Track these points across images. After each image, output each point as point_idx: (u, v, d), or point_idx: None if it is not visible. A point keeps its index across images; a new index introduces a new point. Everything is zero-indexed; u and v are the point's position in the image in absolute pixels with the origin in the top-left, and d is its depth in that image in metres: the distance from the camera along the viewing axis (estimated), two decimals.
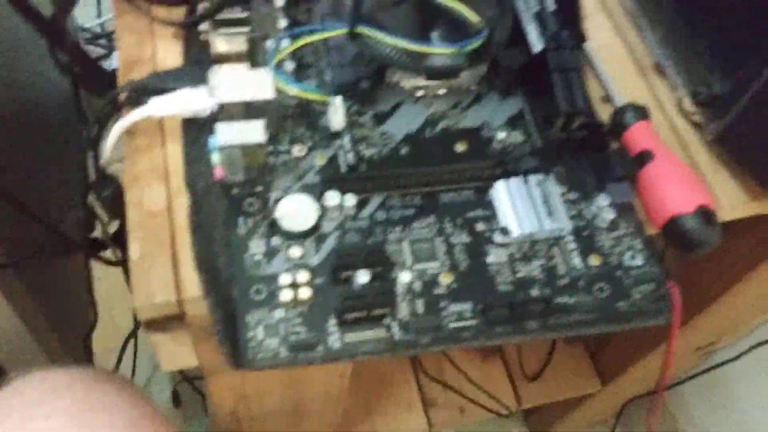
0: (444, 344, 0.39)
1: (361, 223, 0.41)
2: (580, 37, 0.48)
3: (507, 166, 0.43)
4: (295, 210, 0.40)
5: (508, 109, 0.47)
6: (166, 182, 0.42)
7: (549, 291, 0.40)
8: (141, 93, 0.43)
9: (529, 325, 0.39)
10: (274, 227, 0.40)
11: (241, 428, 0.62)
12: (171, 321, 0.41)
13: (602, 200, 0.43)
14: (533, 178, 0.43)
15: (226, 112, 0.40)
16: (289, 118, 0.44)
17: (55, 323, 0.70)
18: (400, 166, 0.43)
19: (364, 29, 0.42)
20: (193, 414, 1.10)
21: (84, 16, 1.09)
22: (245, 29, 0.43)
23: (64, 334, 0.73)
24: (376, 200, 0.42)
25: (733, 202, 0.46)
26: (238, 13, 0.44)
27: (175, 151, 0.43)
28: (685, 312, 0.76)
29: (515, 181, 0.43)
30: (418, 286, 0.40)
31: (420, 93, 0.46)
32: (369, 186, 0.42)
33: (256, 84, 0.40)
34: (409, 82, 0.46)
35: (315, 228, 0.40)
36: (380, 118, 0.45)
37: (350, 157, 0.43)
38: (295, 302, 0.38)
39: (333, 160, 0.43)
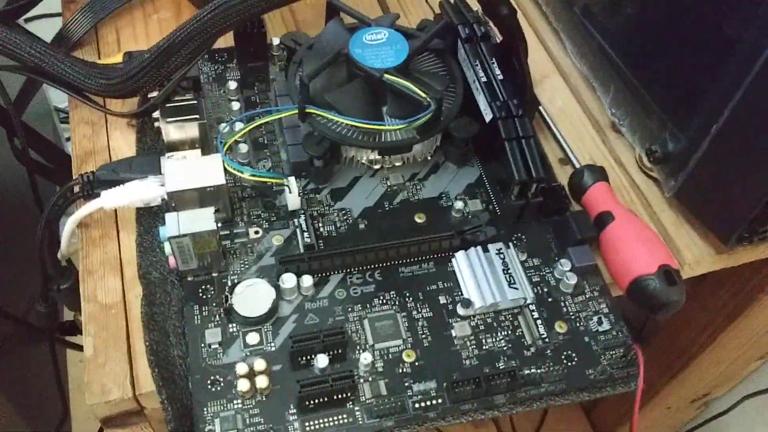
0: (410, 426, 0.37)
1: (319, 303, 0.40)
2: (532, 103, 0.48)
3: (466, 236, 0.42)
4: (252, 295, 0.39)
5: (466, 178, 0.47)
6: (120, 274, 0.42)
7: (516, 363, 0.39)
8: (94, 185, 0.43)
9: (496, 399, 0.38)
10: (230, 314, 0.39)
11: None
12: (130, 416, 0.40)
13: (564, 265, 0.42)
14: (493, 247, 0.42)
15: (178, 199, 0.40)
16: (246, 200, 0.44)
17: (26, 416, 0.68)
18: (359, 241, 0.43)
19: (313, 109, 0.42)
20: None
21: (58, 97, 1.10)
22: (197, 115, 0.43)
23: (36, 427, 0.71)
24: (334, 279, 0.41)
25: (697, 257, 0.45)
26: (189, 100, 0.44)
27: (129, 241, 0.42)
28: (673, 366, 0.75)
29: (475, 252, 0.42)
30: (380, 366, 0.39)
31: (377, 166, 0.46)
32: (327, 265, 0.41)
33: (208, 170, 0.40)
34: (365, 156, 0.46)
35: (272, 312, 0.39)
36: (338, 194, 0.45)
37: (307, 237, 0.43)
38: (253, 391, 0.37)
39: (290, 240, 0.43)
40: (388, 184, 0.46)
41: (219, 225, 0.39)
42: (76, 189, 0.43)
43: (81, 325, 0.52)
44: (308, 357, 0.38)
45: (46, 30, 0.54)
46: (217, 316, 0.39)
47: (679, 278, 0.40)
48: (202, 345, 0.38)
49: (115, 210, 0.44)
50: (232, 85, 0.49)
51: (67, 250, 0.46)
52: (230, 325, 0.39)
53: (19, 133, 0.51)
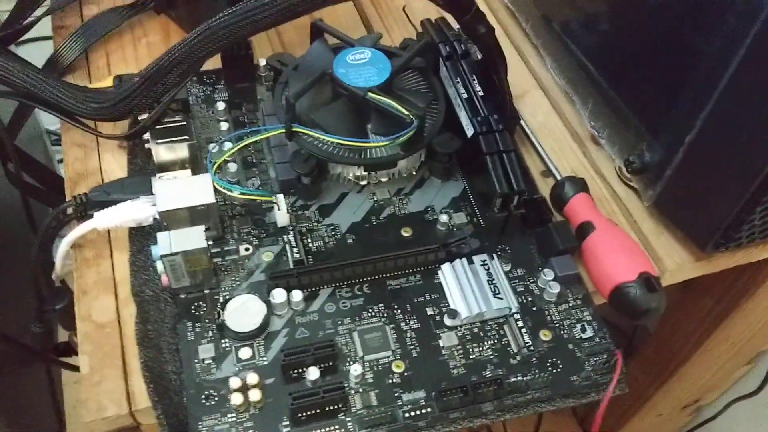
0: None
1: (310, 317, 0.41)
2: (513, 118, 0.49)
3: (451, 248, 0.43)
4: (243, 310, 0.40)
5: (450, 192, 0.48)
6: (114, 293, 0.42)
7: (502, 371, 0.40)
8: (87, 206, 0.44)
9: (484, 407, 0.39)
10: (222, 330, 0.40)
11: None
12: None
13: (547, 274, 0.43)
14: (478, 259, 0.44)
15: (169, 219, 0.41)
16: (236, 218, 0.45)
17: None
18: (348, 256, 0.44)
19: (299, 128, 0.43)
20: None
21: (49, 119, 1.11)
22: (186, 136, 0.44)
23: None
24: (324, 293, 0.42)
25: (678, 264, 0.46)
26: (179, 121, 0.45)
27: (122, 260, 0.43)
28: (662, 373, 0.76)
29: (460, 264, 0.43)
30: (370, 377, 0.39)
31: (363, 182, 0.47)
32: (316, 279, 0.42)
33: (198, 190, 0.41)
34: (351, 173, 0.47)
35: (263, 327, 0.40)
36: (326, 211, 0.46)
37: (296, 252, 0.44)
38: (247, 405, 0.38)
39: (280, 256, 0.44)
40: (375, 199, 0.47)
41: (210, 243, 0.40)
42: (70, 210, 0.44)
43: (76, 345, 0.53)
44: (300, 370, 0.39)
45: (37, 53, 0.55)
46: (210, 332, 0.40)
47: (659, 285, 0.41)
48: (196, 360, 0.39)
49: (108, 230, 0.44)
50: (221, 105, 0.50)
51: (61, 271, 0.46)
52: (223, 341, 0.40)
53: (12, 158, 0.52)
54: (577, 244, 0.44)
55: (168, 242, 0.39)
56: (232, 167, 0.47)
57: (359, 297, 0.43)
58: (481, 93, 0.46)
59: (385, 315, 0.42)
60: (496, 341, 0.41)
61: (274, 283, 0.41)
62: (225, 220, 0.45)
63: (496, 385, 0.39)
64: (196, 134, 0.46)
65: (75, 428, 0.84)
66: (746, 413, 0.76)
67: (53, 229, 0.44)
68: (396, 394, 0.39)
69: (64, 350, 0.72)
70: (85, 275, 0.43)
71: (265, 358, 0.40)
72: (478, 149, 0.44)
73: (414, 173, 0.48)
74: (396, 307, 0.42)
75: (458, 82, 0.47)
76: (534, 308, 0.43)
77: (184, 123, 0.45)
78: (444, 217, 0.46)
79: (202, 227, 0.40)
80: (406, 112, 0.43)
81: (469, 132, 0.45)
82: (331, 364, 0.39)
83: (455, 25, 0.50)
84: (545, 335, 0.42)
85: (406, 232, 0.46)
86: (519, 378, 0.40)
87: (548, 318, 0.42)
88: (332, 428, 0.38)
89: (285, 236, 0.45)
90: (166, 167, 0.45)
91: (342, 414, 0.38)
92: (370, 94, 0.44)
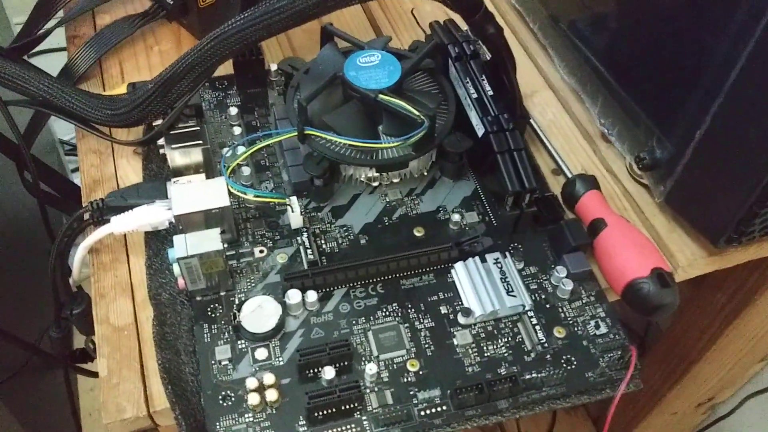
0: None
1: (324, 317, 0.42)
2: (523, 117, 0.50)
3: (464, 247, 0.44)
4: (259, 312, 0.41)
5: (462, 191, 0.48)
6: (131, 296, 0.43)
7: (517, 368, 0.40)
8: (103, 211, 0.44)
9: (499, 404, 0.39)
10: (238, 331, 0.41)
11: None
12: None
13: (560, 272, 0.43)
14: (490, 257, 0.44)
15: (185, 222, 0.41)
16: (250, 221, 0.46)
17: None
18: (361, 256, 0.44)
19: (311, 131, 0.44)
20: None
21: (62, 130, 1.13)
22: (200, 141, 0.45)
23: None
24: (338, 293, 0.43)
25: (690, 260, 0.47)
26: (192, 126, 0.46)
27: (139, 264, 0.44)
28: (676, 372, 0.76)
29: (473, 262, 0.44)
30: (385, 376, 0.40)
31: (375, 183, 0.48)
32: (330, 280, 0.43)
33: (212, 193, 0.42)
34: (363, 174, 0.47)
35: (279, 328, 0.41)
36: (339, 212, 0.47)
37: (310, 254, 0.44)
38: (264, 405, 0.38)
39: (295, 258, 0.44)
40: (387, 200, 0.48)
41: (225, 245, 0.41)
42: (86, 216, 0.45)
43: (92, 351, 0.53)
44: (315, 370, 0.39)
45: (51, 64, 0.56)
46: (226, 334, 0.41)
47: (672, 280, 0.42)
48: (213, 362, 0.40)
49: (125, 235, 0.45)
50: (233, 110, 0.51)
51: (78, 277, 0.47)
52: (239, 342, 0.40)
53: (29, 166, 0.53)
54: (590, 241, 0.44)
55: (184, 245, 0.39)
56: (246, 171, 0.48)
57: (373, 297, 0.43)
58: (490, 93, 0.46)
59: (399, 314, 0.42)
60: (510, 339, 0.42)
61: (289, 284, 0.42)
62: (239, 223, 0.45)
63: (511, 383, 0.39)
64: (209, 139, 0.47)
65: None
66: (760, 410, 0.76)
67: (71, 234, 0.44)
68: (411, 393, 0.39)
69: (80, 357, 0.73)
70: (102, 279, 0.44)
71: (281, 359, 0.40)
72: (488, 148, 0.45)
73: (425, 174, 0.49)
74: (410, 306, 0.43)
75: (468, 83, 0.47)
76: (548, 305, 0.43)
77: (198, 128, 0.45)
78: (456, 217, 0.46)
79: (218, 230, 0.40)
80: (417, 113, 0.43)
81: (480, 131, 0.46)
82: (346, 363, 0.40)
83: (464, 27, 0.50)
84: (559, 332, 0.42)
85: (418, 232, 0.46)
86: (534, 375, 0.40)
87: (562, 315, 0.43)
88: (348, 427, 0.38)
89: (299, 238, 0.45)
90: (180, 172, 0.45)
91: (358, 413, 0.38)
92: (380, 95, 0.44)
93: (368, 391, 0.39)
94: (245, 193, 0.44)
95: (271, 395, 0.38)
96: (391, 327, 0.42)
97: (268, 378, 0.39)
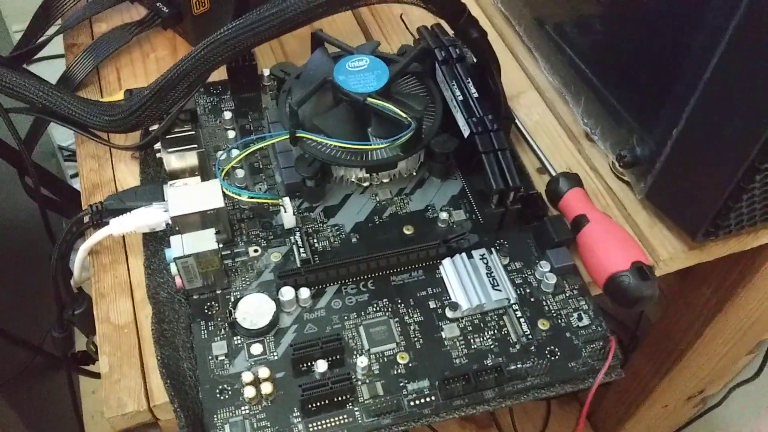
0: (406, 422, 0.40)
1: (317, 313, 0.43)
2: (508, 118, 0.51)
3: (451, 244, 0.45)
4: (254, 308, 0.42)
5: (450, 191, 0.50)
6: (131, 296, 0.44)
7: (502, 359, 0.42)
8: (102, 214, 0.46)
9: (486, 394, 0.41)
10: (234, 327, 0.42)
11: None
12: (146, 428, 0.42)
13: (544, 266, 0.45)
14: (477, 253, 0.45)
15: (181, 223, 0.43)
16: (244, 221, 0.47)
17: None
18: (352, 254, 0.46)
19: (302, 133, 0.45)
20: None
21: (61, 136, 1.14)
22: (195, 145, 0.46)
23: None
24: (330, 290, 0.44)
25: (671, 254, 0.48)
26: (188, 131, 0.47)
27: (137, 265, 0.45)
28: (665, 365, 0.78)
29: (460, 258, 0.45)
30: (376, 368, 0.41)
31: (365, 184, 0.49)
32: (323, 277, 0.44)
33: (207, 195, 0.43)
34: (354, 175, 0.49)
35: (273, 324, 0.42)
36: (330, 212, 0.48)
37: (303, 252, 0.46)
38: (259, 398, 0.40)
39: (288, 257, 0.46)
40: (377, 199, 0.49)
41: (220, 245, 0.42)
42: (86, 219, 0.46)
43: (93, 353, 0.55)
44: (309, 363, 0.41)
45: (49, 72, 0.57)
46: (223, 330, 0.42)
47: (652, 273, 0.43)
48: (210, 357, 0.41)
49: (123, 236, 0.47)
50: (227, 115, 0.52)
51: (79, 278, 0.49)
52: (235, 338, 0.42)
53: (30, 171, 0.55)
54: (573, 237, 0.46)
55: (180, 245, 0.41)
56: (240, 173, 0.49)
57: (364, 293, 0.44)
58: (476, 95, 0.48)
59: (390, 309, 0.44)
60: (496, 331, 0.43)
61: (283, 281, 0.43)
62: (234, 224, 0.47)
63: (497, 373, 0.40)
64: (204, 143, 0.48)
65: None
66: (747, 398, 0.77)
67: (71, 237, 0.46)
68: (401, 384, 0.41)
69: (81, 359, 0.75)
70: (102, 280, 0.45)
71: (275, 353, 0.41)
72: (474, 149, 0.46)
73: (414, 174, 0.50)
74: (399, 301, 0.44)
75: (454, 85, 0.49)
76: (532, 299, 0.45)
77: (193, 132, 0.47)
78: (444, 215, 0.48)
79: (213, 230, 0.42)
80: (404, 115, 0.45)
81: (466, 132, 0.47)
82: (338, 357, 0.41)
83: (451, 32, 0.52)
84: (543, 324, 0.43)
85: (407, 230, 0.48)
86: (519, 366, 0.42)
87: (546, 308, 0.44)
88: (341, 418, 0.39)
89: (292, 237, 0.47)
90: (176, 175, 0.47)
91: (350, 404, 0.40)
92: (369, 99, 0.46)
93: (360, 383, 0.41)
94: (239, 195, 0.45)
95: (266, 388, 0.40)
96: (381, 322, 0.43)
97: (263, 372, 0.40)
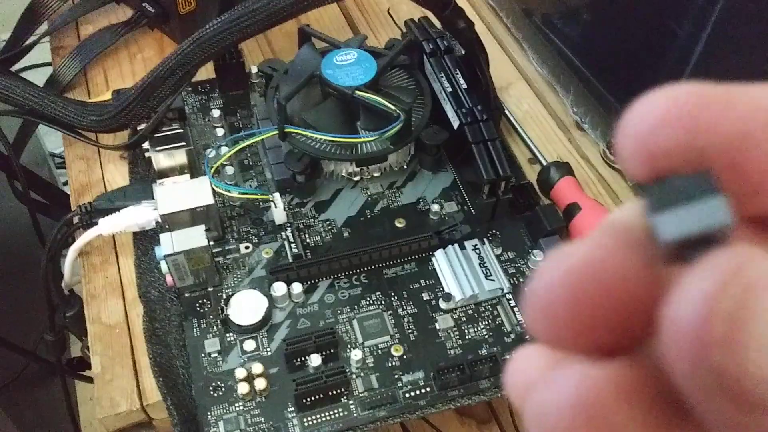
0: (402, 414, 0.40)
1: (310, 308, 0.43)
2: (497, 108, 0.51)
3: (443, 235, 0.45)
4: (246, 305, 0.42)
5: (441, 183, 0.50)
6: (122, 295, 0.44)
7: (497, 349, 0.42)
8: (92, 215, 0.45)
9: (481, 384, 0.41)
10: (227, 324, 0.42)
11: None
12: (140, 428, 0.42)
13: (537, 255, 0.45)
14: (469, 244, 0.45)
15: (171, 222, 0.42)
16: (235, 219, 0.47)
17: None
18: (344, 248, 0.45)
19: (291, 128, 0.45)
20: None
21: (53, 143, 1.14)
22: (184, 143, 0.46)
23: None
24: (323, 285, 0.44)
25: None
26: (176, 129, 0.47)
27: (128, 264, 0.45)
28: None
29: (453, 249, 0.45)
30: (370, 361, 0.41)
31: (356, 178, 0.49)
32: (315, 272, 0.44)
33: (197, 192, 0.43)
34: (344, 169, 0.49)
35: (266, 320, 0.42)
36: (321, 207, 0.48)
37: (295, 248, 0.45)
38: (253, 394, 0.39)
39: (279, 253, 0.45)
40: (369, 193, 0.49)
41: (211, 243, 0.42)
42: (76, 220, 0.46)
43: (89, 358, 0.54)
44: (302, 358, 0.40)
45: (36, 80, 0.57)
46: (215, 327, 0.42)
47: None
48: (203, 354, 0.41)
49: (113, 236, 0.46)
50: (216, 113, 0.52)
51: (70, 280, 0.48)
52: (228, 335, 0.42)
53: (19, 175, 0.54)
54: (565, 224, 0.45)
55: (170, 242, 0.40)
56: (230, 170, 0.49)
57: (357, 287, 0.44)
58: (464, 86, 0.48)
59: (383, 302, 0.44)
60: (490, 321, 0.43)
61: (275, 277, 0.43)
62: (225, 221, 0.47)
63: (492, 363, 0.40)
64: (193, 141, 0.48)
65: None
66: None
67: (61, 237, 0.46)
68: (396, 376, 0.41)
69: (78, 365, 0.74)
70: (93, 280, 0.45)
71: (268, 349, 0.41)
72: (464, 139, 0.46)
73: (405, 167, 0.50)
74: (393, 294, 0.44)
75: (442, 77, 0.49)
76: (526, 288, 0.44)
77: (181, 130, 0.47)
78: (435, 207, 0.47)
79: (203, 226, 0.41)
80: (393, 107, 0.44)
81: (455, 124, 0.47)
82: (332, 351, 0.41)
83: (439, 25, 0.52)
84: None
85: (399, 223, 0.47)
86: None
87: None
88: (336, 411, 0.39)
89: (283, 233, 0.46)
90: (165, 174, 0.46)
91: (345, 398, 0.40)
92: (357, 92, 0.45)
93: (354, 376, 0.40)
94: (229, 191, 0.45)
95: (260, 384, 0.39)
96: (375, 315, 0.43)
97: (257, 368, 0.40)
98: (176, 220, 0.43)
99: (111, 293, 0.44)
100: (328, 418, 0.39)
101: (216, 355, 0.41)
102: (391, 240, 0.45)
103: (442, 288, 0.44)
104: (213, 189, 0.43)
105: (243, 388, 0.39)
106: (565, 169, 0.48)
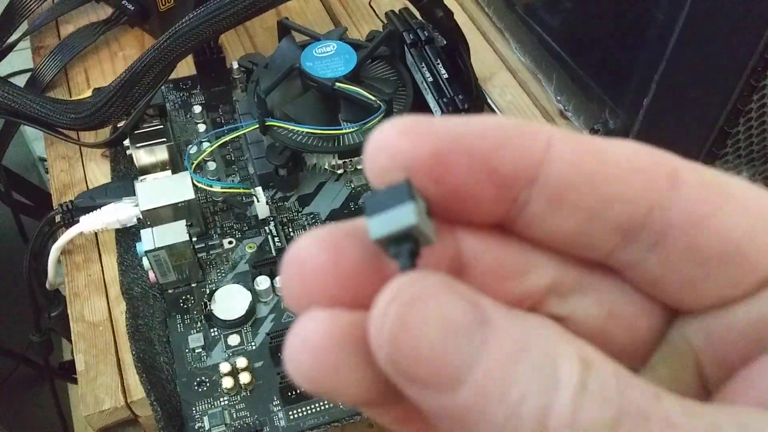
0: None
1: None
2: (479, 98, 0.51)
3: None
4: (229, 299, 0.42)
5: None
6: (105, 293, 0.44)
7: None
8: (74, 213, 0.45)
9: None
10: (210, 319, 0.42)
11: None
12: (126, 426, 0.42)
13: None
14: None
15: (152, 218, 0.42)
16: (218, 214, 0.47)
17: None
18: None
19: (271, 122, 0.45)
20: None
21: (42, 148, 1.13)
22: (164, 139, 0.46)
23: None
24: None
25: None
26: (156, 125, 0.47)
27: (111, 262, 0.45)
28: None
29: None
30: None
31: (339, 171, 0.49)
32: None
33: (177, 187, 0.43)
34: (327, 163, 0.48)
35: (250, 314, 0.42)
36: (305, 200, 0.48)
37: (278, 241, 0.45)
38: (238, 388, 0.39)
39: (263, 247, 0.45)
40: (353, 186, 0.49)
41: (194, 239, 0.42)
42: (58, 219, 0.46)
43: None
44: None
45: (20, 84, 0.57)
46: (199, 323, 0.42)
47: None
48: (187, 350, 0.41)
49: (96, 234, 0.46)
50: (197, 109, 0.52)
51: (54, 280, 0.48)
52: (211, 330, 0.41)
53: (1, 176, 0.54)
54: None
55: (151, 238, 0.40)
56: (212, 166, 0.49)
57: None
58: (446, 76, 0.48)
59: None
60: None
61: (258, 271, 0.43)
62: (208, 217, 0.46)
63: None
64: (175, 138, 0.48)
65: None
66: None
67: (43, 237, 0.45)
68: None
69: (69, 369, 0.74)
70: (76, 279, 0.45)
71: (253, 344, 0.41)
72: None
73: None
74: None
75: (423, 67, 0.49)
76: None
77: (162, 126, 0.46)
78: None
79: (184, 222, 0.41)
80: (373, 98, 0.44)
81: (437, 113, 0.47)
82: None
83: (420, 16, 0.51)
84: None
85: None
86: None
87: None
88: (321, 403, 0.39)
89: (266, 227, 0.46)
90: (147, 170, 0.46)
91: None
92: (337, 83, 0.45)
93: None
94: (211, 186, 0.45)
95: (245, 378, 0.39)
96: None
97: (241, 362, 0.40)
98: (157, 216, 0.42)
99: (94, 291, 0.44)
100: (313, 410, 0.39)
101: (200, 350, 0.41)
102: None
103: None
104: (194, 184, 0.43)
105: (227, 382, 0.39)
106: None
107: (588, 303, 0.13)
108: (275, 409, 0.39)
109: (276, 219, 0.46)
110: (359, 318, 0.12)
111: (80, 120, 0.46)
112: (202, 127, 0.51)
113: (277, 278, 0.43)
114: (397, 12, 0.53)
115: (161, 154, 0.46)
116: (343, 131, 0.45)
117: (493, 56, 0.60)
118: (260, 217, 0.46)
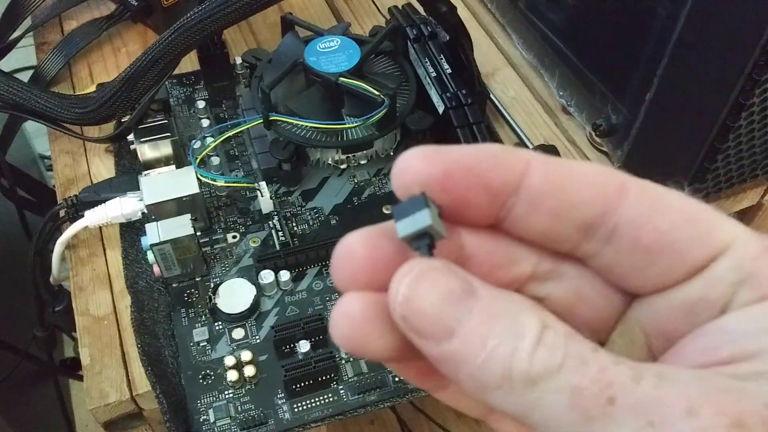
0: (392, 398, 0.40)
1: (298, 296, 0.43)
2: (483, 93, 0.51)
3: None
4: (234, 293, 0.42)
5: None
6: (109, 287, 0.44)
7: None
8: (78, 208, 0.45)
9: None
10: (215, 313, 0.42)
11: None
12: (131, 419, 0.42)
13: None
14: None
15: (157, 212, 0.42)
16: (222, 208, 0.47)
17: None
18: (332, 236, 0.45)
19: (275, 116, 0.45)
20: None
21: (42, 145, 1.13)
22: (168, 133, 0.46)
23: None
24: (311, 272, 0.44)
25: None
26: (160, 120, 0.47)
27: (115, 256, 0.45)
28: None
29: None
30: None
31: (343, 166, 0.49)
32: (302, 259, 0.44)
33: (182, 182, 0.43)
34: (330, 157, 0.48)
35: (254, 308, 0.42)
36: (308, 195, 0.48)
37: (282, 236, 0.45)
38: (242, 381, 0.39)
39: (267, 241, 0.45)
40: (356, 181, 0.49)
41: (198, 233, 0.42)
42: (62, 213, 0.46)
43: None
44: (291, 345, 0.40)
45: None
46: (203, 317, 0.42)
47: None
48: (191, 344, 0.41)
49: (100, 229, 0.46)
50: (201, 104, 0.52)
51: (58, 275, 0.48)
52: (216, 324, 0.42)
53: (5, 172, 0.54)
54: None
55: (156, 232, 0.40)
56: (215, 161, 0.49)
57: None
58: (449, 71, 0.48)
59: None
60: None
61: (262, 265, 0.43)
62: (212, 211, 0.47)
63: None
64: (178, 133, 0.48)
65: None
66: None
67: (48, 232, 0.46)
68: None
69: (72, 365, 0.74)
70: (80, 273, 0.45)
71: (257, 337, 0.41)
72: (449, 124, 0.46)
73: (392, 153, 0.50)
74: None
75: (427, 62, 0.49)
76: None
77: (166, 121, 0.47)
78: None
79: (188, 215, 0.41)
80: (377, 93, 0.44)
81: (440, 108, 0.47)
82: (321, 337, 0.41)
83: (422, 10, 0.52)
84: None
85: (387, 210, 0.47)
86: None
87: None
88: (326, 396, 0.39)
89: (270, 222, 0.46)
90: (151, 165, 0.46)
91: (334, 383, 0.40)
92: (341, 78, 0.45)
93: (343, 361, 0.40)
94: (215, 180, 0.45)
95: (249, 371, 0.39)
96: None
97: (246, 355, 0.40)
98: (162, 210, 0.42)
99: (99, 285, 0.44)
100: (318, 403, 0.39)
101: (205, 344, 0.41)
102: None
103: None
104: (198, 178, 0.43)
105: (232, 375, 0.39)
106: (552, 152, 0.48)
107: (561, 287, 0.17)
108: (280, 402, 0.39)
109: (280, 213, 0.47)
110: (384, 298, 0.15)
111: (85, 115, 0.46)
112: (205, 122, 0.52)
113: (281, 272, 0.43)
114: (400, 7, 0.53)
115: (165, 148, 0.46)
116: (347, 126, 0.45)
117: (495, 52, 0.60)
118: (264, 211, 0.46)
